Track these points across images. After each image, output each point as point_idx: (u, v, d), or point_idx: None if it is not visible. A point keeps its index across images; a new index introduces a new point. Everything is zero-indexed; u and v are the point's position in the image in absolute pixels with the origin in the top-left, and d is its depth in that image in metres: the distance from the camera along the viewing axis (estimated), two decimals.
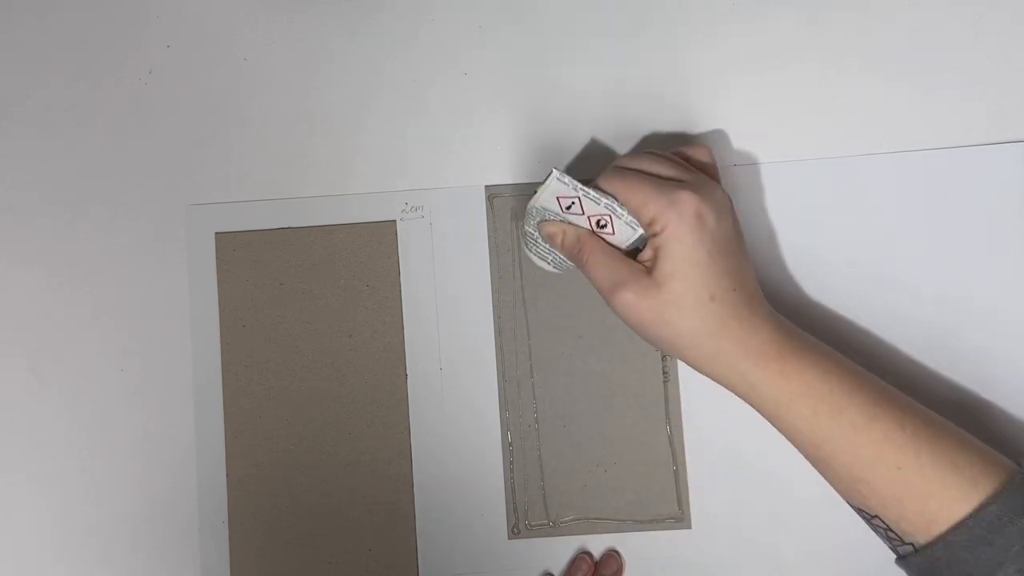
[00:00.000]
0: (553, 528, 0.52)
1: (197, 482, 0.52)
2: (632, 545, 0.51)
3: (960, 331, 0.51)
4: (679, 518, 0.51)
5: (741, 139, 0.53)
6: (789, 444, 0.45)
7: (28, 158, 0.55)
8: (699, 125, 0.53)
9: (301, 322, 0.53)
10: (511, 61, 0.54)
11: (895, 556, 0.44)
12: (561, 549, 0.52)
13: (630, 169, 0.45)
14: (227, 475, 0.52)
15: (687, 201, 0.43)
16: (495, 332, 0.53)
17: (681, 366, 0.52)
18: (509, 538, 0.52)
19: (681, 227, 0.43)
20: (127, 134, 0.55)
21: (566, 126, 0.54)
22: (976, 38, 0.53)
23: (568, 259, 0.47)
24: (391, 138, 0.54)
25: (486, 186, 0.53)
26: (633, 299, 0.44)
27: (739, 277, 0.44)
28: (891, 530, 0.43)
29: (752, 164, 0.53)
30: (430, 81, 0.54)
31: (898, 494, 0.42)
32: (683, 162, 0.46)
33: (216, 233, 0.54)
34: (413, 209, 0.53)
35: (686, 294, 0.43)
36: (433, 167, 0.54)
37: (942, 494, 0.41)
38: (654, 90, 0.54)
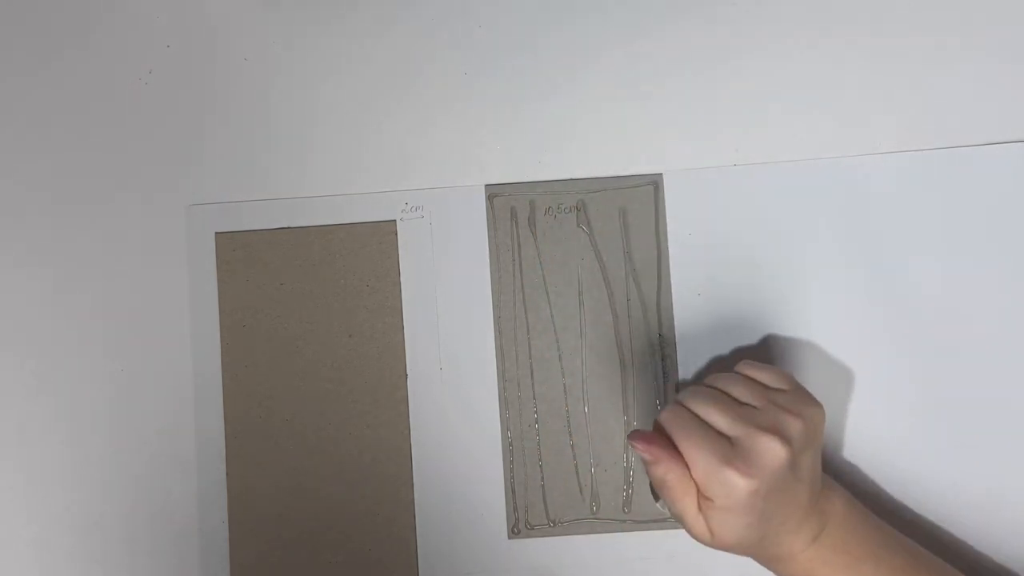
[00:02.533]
0: (553, 528, 0.52)
1: (197, 482, 0.52)
2: (632, 545, 0.51)
3: (960, 331, 0.51)
4: None
5: (740, 139, 0.53)
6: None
7: (28, 158, 0.55)
8: (699, 124, 0.53)
9: (301, 322, 0.53)
10: (511, 61, 0.54)
11: None
12: (561, 549, 0.52)
13: (691, 414, 0.44)
14: (227, 475, 0.52)
15: (739, 487, 0.42)
16: (495, 332, 0.53)
17: (681, 366, 0.52)
18: (509, 538, 0.52)
19: (728, 502, 0.42)
20: (127, 134, 0.55)
21: (566, 126, 0.54)
22: (976, 38, 0.53)
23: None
24: (391, 138, 0.54)
25: (486, 186, 0.53)
26: (693, 531, 0.45)
27: (792, 506, 0.44)
28: None
29: (752, 164, 0.53)
30: (430, 81, 0.54)
31: None
32: (760, 387, 0.45)
33: (216, 233, 0.54)
34: (413, 209, 0.53)
35: (733, 545, 0.44)
36: (433, 167, 0.54)
37: None
38: (654, 89, 0.54)
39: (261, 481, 0.52)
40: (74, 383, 0.53)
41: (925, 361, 0.51)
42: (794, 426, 0.43)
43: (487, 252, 0.53)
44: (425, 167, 0.54)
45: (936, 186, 0.52)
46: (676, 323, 0.52)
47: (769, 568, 0.46)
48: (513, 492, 0.52)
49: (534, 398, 0.52)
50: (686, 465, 0.43)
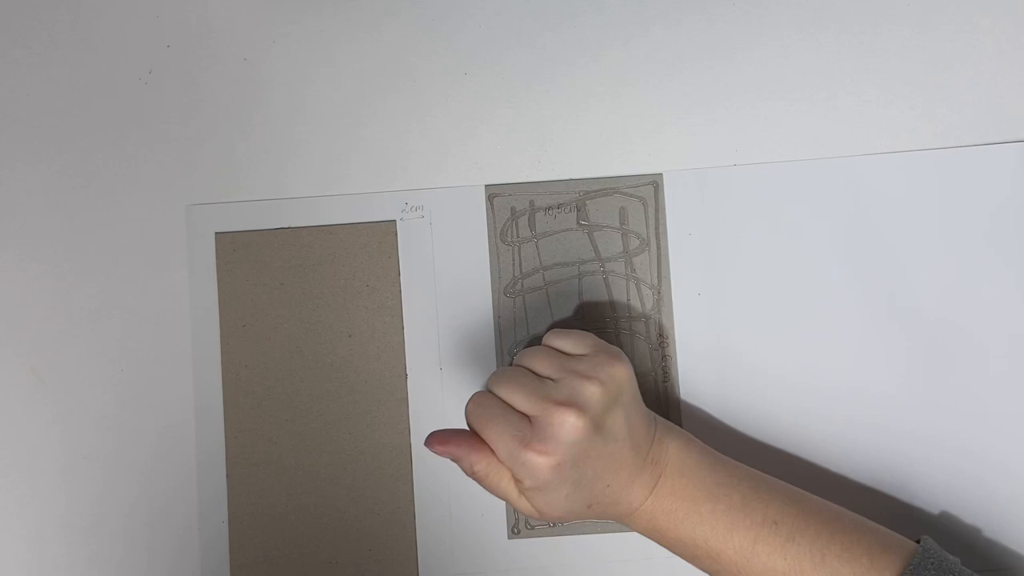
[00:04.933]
0: (553, 528, 0.52)
1: (197, 482, 0.52)
2: (632, 545, 0.51)
3: (959, 331, 0.51)
4: None
5: (740, 139, 0.53)
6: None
7: (28, 158, 0.55)
8: (699, 124, 0.53)
9: (301, 322, 0.53)
10: (511, 60, 0.54)
11: None
12: (561, 549, 0.52)
13: (495, 398, 0.44)
14: (227, 475, 0.52)
15: (540, 466, 0.42)
16: (495, 332, 0.53)
17: (681, 366, 0.52)
18: (509, 538, 0.52)
19: (536, 482, 0.43)
20: (127, 134, 0.55)
21: (566, 126, 0.54)
22: (976, 38, 0.53)
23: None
24: (391, 138, 0.54)
25: (486, 186, 0.53)
26: (522, 511, 0.45)
27: (614, 465, 0.44)
28: None
29: (752, 164, 0.53)
30: (430, 81, 0.54)
31: None
32: (562, 356, 0.45)
33: (216, 233, 0.54)
34: (413, 209, 0.53)
35: (564, 516, 0.45)
36: (433, 167, 0.54)
37: None
38: (654, 89, 0.54)
39: (261, 481, 0.52)
40: (74, 383, 0.53)
41: (925, 360, 0.51)
42: (590, 392, 0.43)
43: (487, 252, 0.53)
44: (425, 167, 0.54)
45: (936, 186, 0.52)
46: (676, 323, 0.52)
47: (621, 524, 0.47)
48: None
49: None
50: (491, 452, 0.43)
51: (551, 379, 0.44)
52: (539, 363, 0.45)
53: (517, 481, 0.43)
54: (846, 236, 0.52)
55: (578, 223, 0.53)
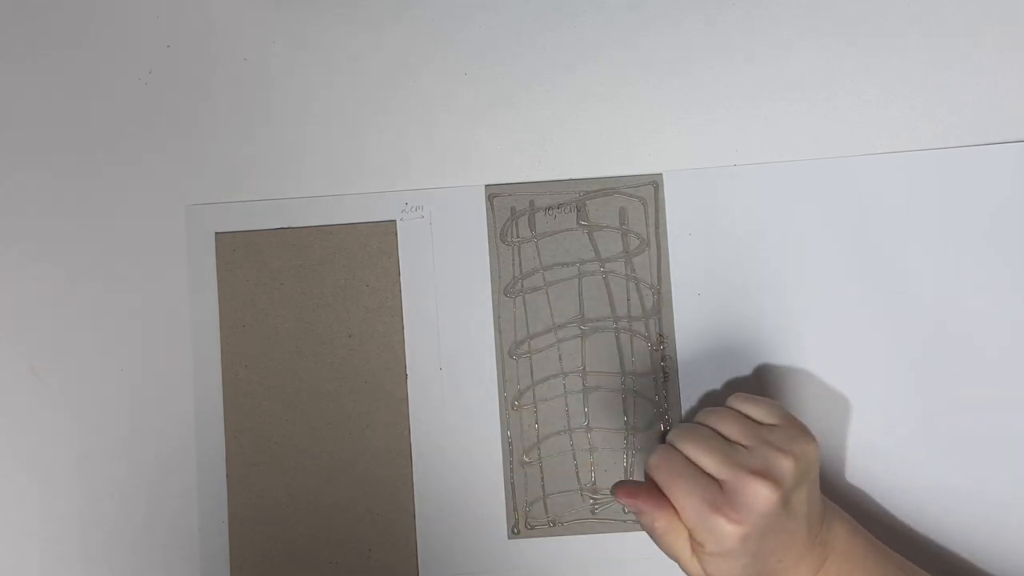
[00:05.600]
0: (553, 528, 0.52)
1: (197, 482, 0.52)
2: (632, 545, 0.51)
3: (959, 330, 0.51)
4: None
5: (740, 139, 0.53)
6: None
7: (28, 158, 0.55)
8: (699, 124, 0.53)
9: (301, 322, 0.53)
10: (511, 61, 0.54)
11: None
12: (561, 549, 0.52)
13: (680, 455, 0.44)
14: (227, 475, 0.52)
15: (728, 534, 0.42)
16: (495, 332, 0.53)
17: (681, 366, 0.52)
18: (509, 538, 0.52)
19: (719, 548, 0.42)
20: (127, 134, 0.55)
21: (566, 126, 0.54)
22: (976, 38, 0.53)
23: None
24: (391, 138, 0.54)
25: (486, 186, 0.53)
26: (691, 573, 0.45)
27: (790, 542, 0.43)
28: None
29: (752, 164, 0.53)
30: (430, 81, 0.54)
31: None
32: (751, 423, 0.45)
33: (216, 233, 0.54)
34: (413, 209, 0.53)
35: None
36: (433, 167, 0.54)
37: None
38: (654, 89, 0.54)
39: (261, 481, 0.52)
40: (74, 383, 0.53)
41: (924, 360, 0.51)
42: (784, 465, 0.42)
43: (487, 252, 0.53)
44: (425, 167, 0.54)
45: (936, 186, 0.52)
46: (676, 323, 0.52)
47: None
48: (513, 492, 0.52)
49: (534, 398, 0.52)
50: (674, 510, 0.43)
51: (742, 445, 0.43)
52: (728, 427, 0.44)
53: (695, 544, 0.43)
54: (846, 236, 0.52)
55: (578, 223, 0.53)
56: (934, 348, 0.51)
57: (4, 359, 0.53)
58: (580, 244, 0.53)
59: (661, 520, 0.43)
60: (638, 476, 0.52)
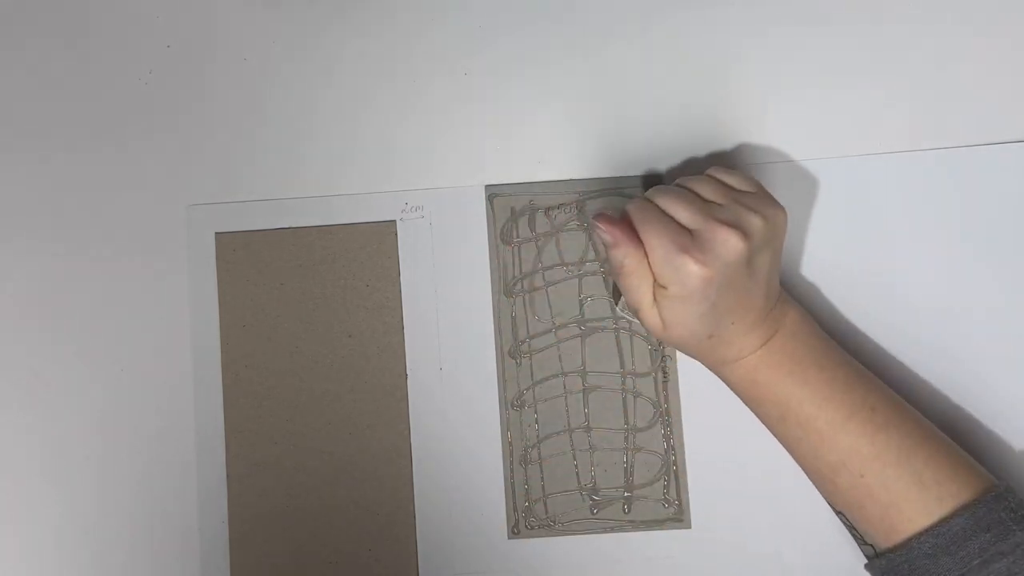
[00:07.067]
0: (553, 528, 0.52)
1: (197, 482, 0.52)
2: (632, 545, 0.51)
3: (959, 331, 0.51)
4: (679, 518, 0.51)
5: (741, 139, 0.53)
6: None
7: (28, 158, 0.55)
8: (698, 124, 0.53)
9: (301, 322, 0.53)
10: (511, 61, 0.54)
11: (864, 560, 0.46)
12: (561, 549, 0.52)
13: (657, 207, 0.45)
14: (227, 475, 0.52)
15: (693, 274, 0.43)
16: (495, 332, 0.53)
17: (681, 366, 0.52)
18: (509, 538, 0.52)
19: (683, 292, 0.43)
20: (127, 134, 0.55)
21: (566, 126, 0.54)
22: (976, 38, 0.53)
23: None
24: (391, 138, 0.54)
25: (486, 186, 0.53)
26: (646, 322, 0.46)
27: (746, 305, 0.45)
28: (854, 528, 0.46)
29: (752, 164, 0.53)
30: (430, 81, 0.54)
31: (860, 499, 0.44)
32: (727, 188, 0.46)
33: (216, 233, 0.54)
34: (413, 209, 0.53)
35: (685, 337, 0.46)
36: (433, 167, 0.54)
37: (903, 506, 0.43)
38: (655, 90, 0.54)
39: (261, 481, 0.52)
40: (74, 383, 0.53)
41: (924, 361, 0.51)
42: (754, 222, 0.44)
43: (487, 252, 0.53)
44: (425, 167, 0.54)
45: (936, 186, 0.52)
46: None
47: (715, 371, 0.48)
48: (513, 492, 0.52)
49: (534, 398, 0.52)
50: (645, 253, 0.44)
51: (716, 203, 0.45)
52: (704, 188, 0.45)
53: (659, 288, 0.44)
54: (846, 236, 0.52)
55: (578, 223, 0.53)
56: (934, 347, 0.51)
57: (4, 359, 0.54)
58: (580, 244, 0.53)
59: (631, 256, 0.44)
60: (639, 478, 0.52)
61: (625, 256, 0.44)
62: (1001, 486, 0.44)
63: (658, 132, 0.53)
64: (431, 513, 0.52)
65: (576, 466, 0.52)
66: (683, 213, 0.44)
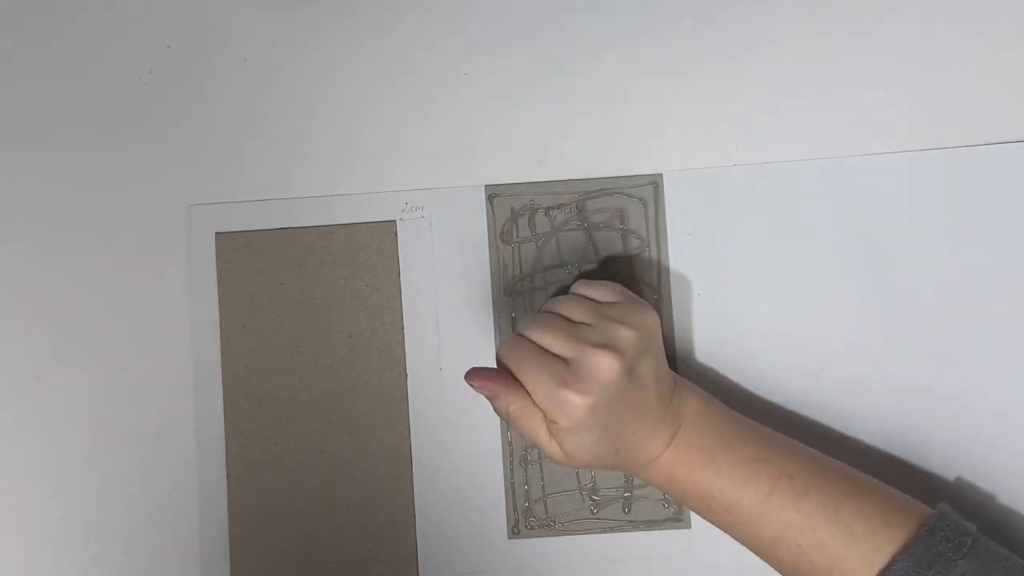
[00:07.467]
0: (553, 528, 0.52)
1: (197, 482, 0.52)
2: (632, 545, 0.51)
3: (960, 331, 0.51)
4: (679, 518, 0.51)
5: (741, 139, 0.53)
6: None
7: (28, 158, 0.55)
8: (699, 124, 0.53)
9: (301, 322, 0.53)
10: (511, 60, 0.54)
11: None
12: (561, 549, 0.52)
13: (529, 342, 0.45)
14: (227, 475, 0.52)
15: (577, 406, 0.43)
16: (495, 332, 0.53)
17: (680, 367, 0.52)
18: (509, 538, 0.52)
19: (571, 423, 0.43)
20: (127, 134, 0.55)
21: (566, 126, 0.54)
22: (976, 38, 0.53)
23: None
24: (391, 138, 0.54)
25: (486, 186, 0.53)
26: (550, 456, 0.46)
27: (641, 413, 0.45)
28: None
29: (752, 164, 0.53)
30: (430, 81, 0.54)
31: (805, 568, 0.44)
32: (593, 303, 0.46)
33: (216, 233, 0.54)
34: (413, 209, 0.53)
35: (590, 461, 0.45)
36: (433, 167, 0.54)
37: (844, 566, 0.43)
38: (654, 89, 0.54)
39: (261, 481, 0.52)
40: (74, 384, 0.53)
41: (924, 361, 0.51)
42: (625, 335, 0.44)
43: (487, 252, 0.53)
44: (425, 167, 0.54)
45: (936, 186, 0.52)
46: (675, 323, 0.52)
47: (638, 476, 0.47)
48: (513, 492, 0.52)
49: None
50: (527, 393, 0.44)
51: (586, 324, 0.45)
52: (570, 310, 0.45)
53: (550, 423, 0.44)
54: (847, 236, 0.52)
55: (578, 223, 0.53)
56: (934, 347, 0.51)
57: (5, 359, 0.54)
58: (580, 244, 0.53)
59: (514, 404, 0.44)
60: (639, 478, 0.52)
61: (509, 404, 0.44)
62: (934, 517, 0.43)
63: (658, 132, 0.53)
64: (431, 513, 0.52)
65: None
66: (554, 343, 0.44)
